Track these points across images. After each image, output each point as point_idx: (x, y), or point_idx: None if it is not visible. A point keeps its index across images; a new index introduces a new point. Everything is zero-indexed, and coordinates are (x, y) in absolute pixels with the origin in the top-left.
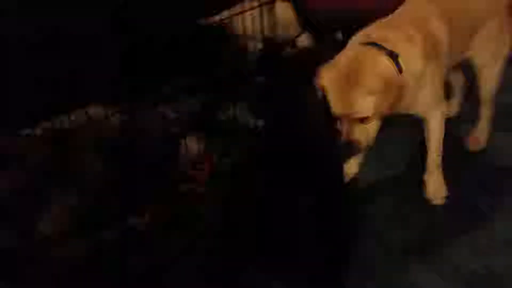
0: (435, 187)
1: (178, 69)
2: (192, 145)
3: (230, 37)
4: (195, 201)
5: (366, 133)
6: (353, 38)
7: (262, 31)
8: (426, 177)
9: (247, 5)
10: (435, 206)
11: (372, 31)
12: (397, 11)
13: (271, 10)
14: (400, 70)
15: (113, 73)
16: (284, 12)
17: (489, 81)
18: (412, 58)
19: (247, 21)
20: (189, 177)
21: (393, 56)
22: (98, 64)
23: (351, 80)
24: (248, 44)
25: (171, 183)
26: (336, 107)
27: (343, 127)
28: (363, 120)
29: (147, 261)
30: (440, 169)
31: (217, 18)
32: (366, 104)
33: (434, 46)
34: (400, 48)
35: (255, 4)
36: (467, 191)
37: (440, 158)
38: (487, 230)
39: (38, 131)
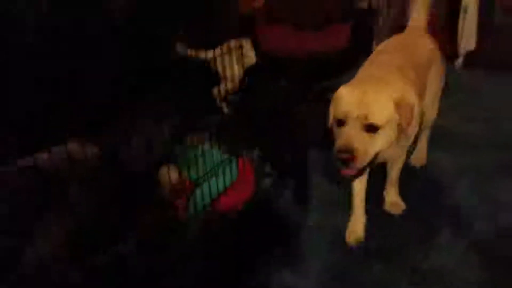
0: (394, 200)
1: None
2: (172, 173)
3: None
4: (177, 226)
5: (366, 145)
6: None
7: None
8: (385, 192)
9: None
10: (392, 216)
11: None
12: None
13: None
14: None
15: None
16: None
17: (430, 114)
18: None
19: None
20: (170, 204)
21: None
22: (78, 97)
23: (379, 85)
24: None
25: (153, 210)
26: (351, 107)
27: (345, 132)
28: (370, 128)
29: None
30: (397, 186)
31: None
32: (385, 109)
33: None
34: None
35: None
36: (414, 202)
37: (397, 177)
38: (431, 234)
39: (20, 165)
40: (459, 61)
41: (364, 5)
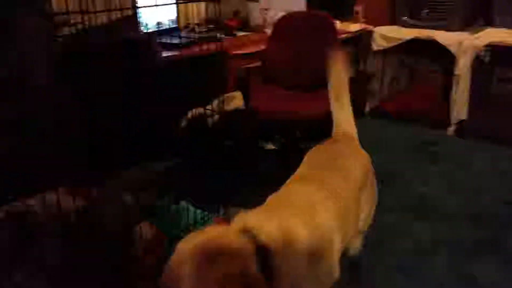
0: None
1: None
2: (146, 230)
3: None
4: (148, 284)
5: None
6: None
7: None
8: None
9: None
10: None
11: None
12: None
13: None
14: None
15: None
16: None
17: (364, 225)
18: None
19: None
20: (142, 261)
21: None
22: (59, 149)
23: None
24: None
25: (125, 267)
26: None
27: None
28: None
29: None
30: None
31: None
32: None
33: None
34: None
35: None
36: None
37: None
38: None
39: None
40: (451, 129)
41: (352, 71)
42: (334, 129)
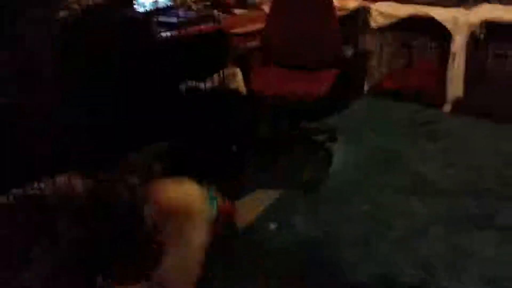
0: None
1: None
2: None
3: None
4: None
5: None
6: None
7: None
8: None
9: None
10: None
11: None
12: None
13: None
14: None
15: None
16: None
17: None
18: None
19: None
20: (154, 240)
21: None
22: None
23: None
24: None
25: (137, 246)
26: None
27: None
28: None
29: None
30: None
31: None
32: None
33: None
34: None
35: None
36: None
37: None
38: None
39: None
40: (447, 106)
41: (349, 53)
42: None
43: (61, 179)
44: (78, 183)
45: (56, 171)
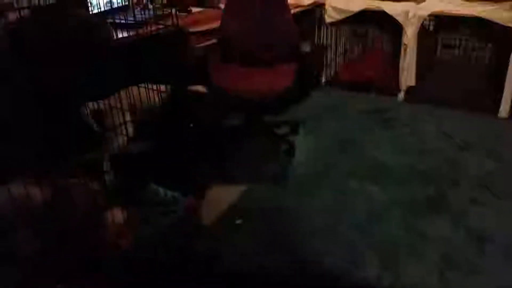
0: None
1: None
2: (117, 215)
3: None
4: (121, 268)
5: None
6: None
7: None
8: None
9: None
10: None
11: None
12: None
13: None
14: None
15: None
16: None
17: None
18: None
19: None
20: (114, 245)
21: None
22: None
23: None
24: None
25: (97, 252)
26: None
27: None
28: None
29: None
30: None
31: None
32: None
33: None
34: None
35: None
36: (346, 232)
37: None
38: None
39: None
40: (401, 95)
41: (307, 48)
42: None
43: (16, 188)
44: (35, 192)
45: (8, 179)
